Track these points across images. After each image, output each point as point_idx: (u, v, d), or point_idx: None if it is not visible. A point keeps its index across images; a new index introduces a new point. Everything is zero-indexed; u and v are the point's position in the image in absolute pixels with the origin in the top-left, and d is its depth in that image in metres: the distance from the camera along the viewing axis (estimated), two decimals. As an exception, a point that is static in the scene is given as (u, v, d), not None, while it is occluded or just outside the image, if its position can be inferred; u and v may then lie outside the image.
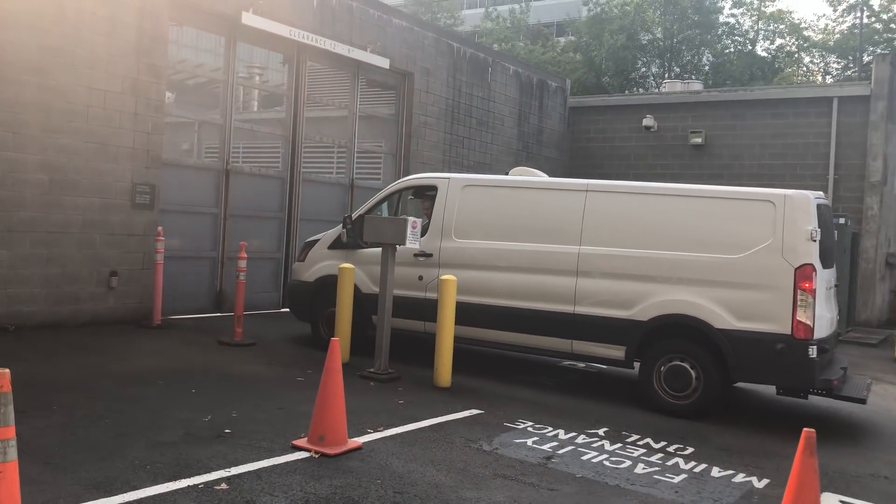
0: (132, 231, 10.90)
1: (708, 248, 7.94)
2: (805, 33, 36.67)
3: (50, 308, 10.04)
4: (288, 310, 13.54)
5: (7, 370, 4.04)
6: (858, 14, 35.45)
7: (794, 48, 37.33)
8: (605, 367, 10.11)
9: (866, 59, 34.70)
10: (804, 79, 35.68)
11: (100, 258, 10.54)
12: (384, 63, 14.67)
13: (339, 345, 9.27)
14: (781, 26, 37.35)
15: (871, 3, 35.12)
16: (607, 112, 20.96)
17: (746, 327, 7.66)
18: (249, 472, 5.30)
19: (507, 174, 10.06)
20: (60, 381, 7.45)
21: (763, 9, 37.70)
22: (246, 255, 10.21)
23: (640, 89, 39.25)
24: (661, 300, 8.04)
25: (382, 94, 15.99)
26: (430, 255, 9.35)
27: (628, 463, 6.27)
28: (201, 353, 9.41)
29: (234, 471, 5.32)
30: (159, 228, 10.90)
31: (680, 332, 8.02)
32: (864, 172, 17.36)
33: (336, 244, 10.15)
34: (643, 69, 39.73)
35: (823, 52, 36.12)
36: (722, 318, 7.74)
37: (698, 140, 19.32)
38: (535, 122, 19.52)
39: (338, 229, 10.28)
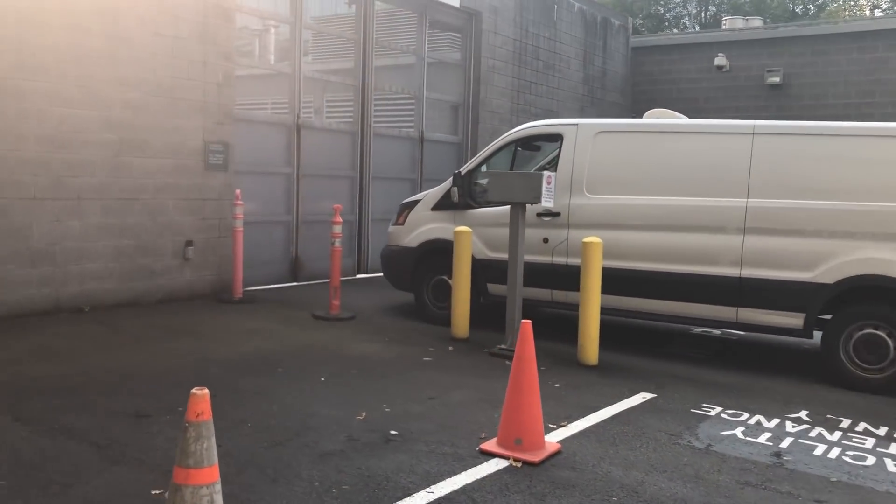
0: (206, 195, 9.78)
1: (909, 196, 6.79)
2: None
3: (125, 284, 8.98)
4: (365, 275, 12.58)
5: (206, 391, 2.99)
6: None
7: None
8: (742, 333, 9.07)
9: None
10: (851, 14, 33.93)
11: (174, 227, 9.45)
12: (455, 1, 13.35)
13: (459, 318, 8.35)
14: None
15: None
16: (672, 52, 19.58)
17: (961, 289, 6.56)
18: (457, 492, 4.27)
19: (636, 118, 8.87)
20: (167, 374, 6.41)
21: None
22: (341, 220, 9.10)
23: (675, 29, 37.57)
24: (851, 259, 6.91)
25: (445, 37, 14.67)
26: (558, 214, 8.21)
27: (871, 459, 5.23)
28: (302, 330, 8.36)
29: (437, 490, 4.28)
30: (237, 192, 9.78)
31: (875, 295, 6.91)
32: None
33: (441, 205, 9.02)
34: (678, 9, 37.98)
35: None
36: (930, 279, 6.63)
37: (776, 79, 17.99)
38: (600, 64, 18.19)
39: (440, 188, 9.15)
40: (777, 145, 7.37)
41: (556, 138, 8.48)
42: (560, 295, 8.29)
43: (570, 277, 8.11)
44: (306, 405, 5.71)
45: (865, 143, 7.05)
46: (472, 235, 8.44)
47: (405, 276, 9.37)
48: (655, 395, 6.50)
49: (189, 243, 9.59)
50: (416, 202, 9.35)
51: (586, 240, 7.34)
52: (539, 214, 8.25)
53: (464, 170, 8.87)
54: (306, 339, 7.93)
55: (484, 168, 9.10)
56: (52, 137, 8.19)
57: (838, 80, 17.42)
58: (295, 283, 11.40)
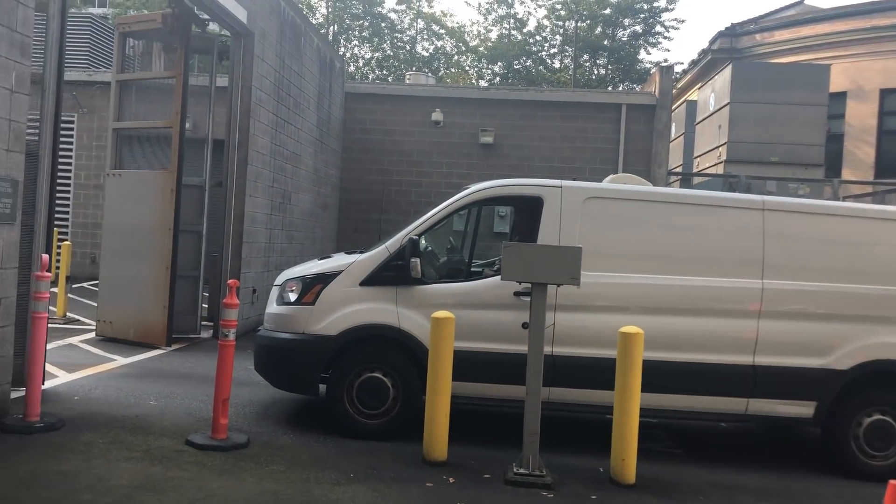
0: (-14, 262, 6.10)
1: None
2: (465, 38, 38.15)
3: None
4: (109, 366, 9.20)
5: None
6: (506, 25, 37.99)
7: (453, 51, 38.61)
8: (688, 420, 8.41)
9: (516, 66, 37.30)
10: (462, 82, 36.94)
11: (-58, 316, 5.66)
12: (242, 15, 10.81)
13: (439, 435, 6.29)
14: (441, 29, 38.36)
15: (517, 15, 37.85)
16: (387, 101, 18.81)
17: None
18: None
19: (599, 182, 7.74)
20: None
21: (424, 10, 38.29)
22: (237, 302, 6.37)
23: (390, 78, 36.86)
24: (867, 344, 6.78)
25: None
26: (542, 294, 6.74)
27: None
28: (221, 477, 5.52)
29: None
30: (43, 257, 6.30)
31: (891, 381, 6.85)
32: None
33: (376, 279, 6.85)
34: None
35: (479, 57, 37.90)
36: (949, 365, 6.77)
37: (489, 139, 18.35)
38: (327, 107, 16.61)
39: (371, 257, 6.98)
40: (788, 223, 6.98)
41: (532, 202, 7.00)
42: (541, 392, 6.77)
43: (556, 371, 6.72)
44: None
45: (878, 226, 7.02)
46: (420, 319, 6.62)
47: (307, 374, 6.91)
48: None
49: (-38, 342, 5.85)
50: (330, 275, 6.95)
51: (624, 329, 6.06)
52: (517, 293, 6.69)
53: (413, 233, 6.85)
54: (259, 496, 5.20)
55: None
56: None
57: (544, 144, 18.42)
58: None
